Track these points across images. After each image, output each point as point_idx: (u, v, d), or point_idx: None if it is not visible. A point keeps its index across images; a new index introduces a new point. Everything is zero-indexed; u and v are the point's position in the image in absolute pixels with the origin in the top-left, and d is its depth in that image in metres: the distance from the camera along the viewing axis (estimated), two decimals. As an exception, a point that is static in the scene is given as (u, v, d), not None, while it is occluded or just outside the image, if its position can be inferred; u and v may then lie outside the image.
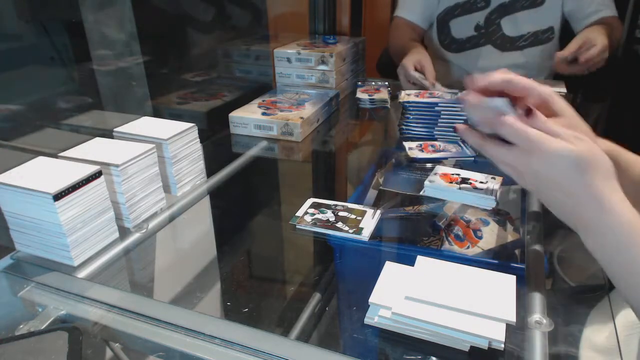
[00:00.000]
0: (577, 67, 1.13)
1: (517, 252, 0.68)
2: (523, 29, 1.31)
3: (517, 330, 0.51)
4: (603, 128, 1.62)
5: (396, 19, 1.44)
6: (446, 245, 0.67)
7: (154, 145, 0.71)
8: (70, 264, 0.61)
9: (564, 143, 0.48)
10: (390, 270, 0.57)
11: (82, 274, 0.61)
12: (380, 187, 0.80)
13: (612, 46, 1.21)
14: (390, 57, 1.70)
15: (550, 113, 0.53)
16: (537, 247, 0.64)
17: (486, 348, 0.48)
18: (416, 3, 1.39)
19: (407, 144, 0.95)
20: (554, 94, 0.53)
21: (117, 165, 0.65)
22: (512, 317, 0.48)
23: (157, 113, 1.13)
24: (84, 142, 0.71)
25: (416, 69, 1.16)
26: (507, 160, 0.53)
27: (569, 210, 0.50)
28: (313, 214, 0.71)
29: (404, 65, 1.18)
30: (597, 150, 0.48)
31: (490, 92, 0.54)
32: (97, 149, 0.69)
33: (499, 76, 0.54)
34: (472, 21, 1.34)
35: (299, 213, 0.72)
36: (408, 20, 1.40)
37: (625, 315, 0.59)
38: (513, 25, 1.31)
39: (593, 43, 1.11)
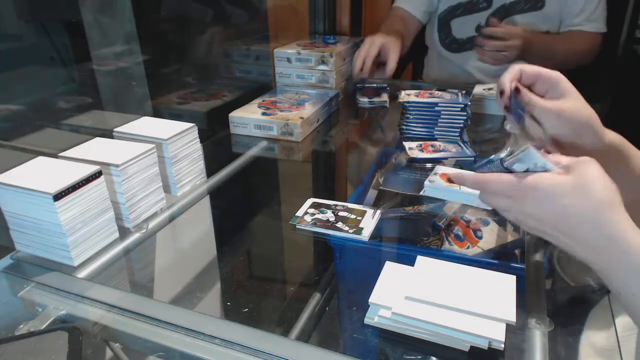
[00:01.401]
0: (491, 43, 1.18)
1: (517, 252, 0.68)
2: None
3: (517, 330, 0.51)
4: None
5: (394, 9, 1.41)
6: (446, 245, 0.67)
7: (154, 145, 0.71)
8: (70, 264, 0.61)
9: (549, 177, 0.44)
10: (390, 270, 0.57)
11: (82, 274, 0.61)
12: (380, 187, 0.80)
13: (558, 56, 1.25)
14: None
15: (556, 96, 0.52)
16: (537, 247, 0.64)
17: (486, 348, 0.48)
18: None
19: (407, 144, 0.95)
20: (560, 76, 0.53)
21: (117, 165, 0.65)
22: (512, 317, 0.48)
23: (157, 113, 1.13)
24: (84, 142, 0.71)
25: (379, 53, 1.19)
26: (505, 207, 0.49)
27: (579, 252, 0.46)
28: (313, 214, 0.71)
29: (371, 42, 1.19)
30: (598, 177, 0.44)
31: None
32: (97, 149, 0.69)
33: (515, 72, 0.54)
34: (473, 22, 1.34)
35: (299, 213, 0.72)
36: (406, 10, 1.38)
37: (625, 315, 0.59)
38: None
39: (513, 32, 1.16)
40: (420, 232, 0.70)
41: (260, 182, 0.97)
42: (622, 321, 0.57)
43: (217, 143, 1.06)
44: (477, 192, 0.74)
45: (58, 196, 0.57)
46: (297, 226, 0.69)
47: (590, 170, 0.44)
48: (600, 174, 0.44)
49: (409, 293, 0.51)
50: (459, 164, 0.89)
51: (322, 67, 1.21)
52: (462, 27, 1.36)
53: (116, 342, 0.53)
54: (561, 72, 0.54)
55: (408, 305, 0.50)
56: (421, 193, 0.77)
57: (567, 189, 0.44)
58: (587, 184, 0.43)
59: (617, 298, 0.45)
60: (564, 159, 0.46)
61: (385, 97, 1.25)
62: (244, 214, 0.85)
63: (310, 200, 0.75)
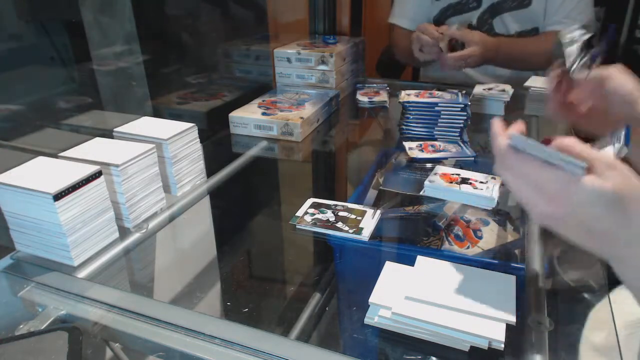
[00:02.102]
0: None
1: (517, 252, 0.68)
2: (510, 29, 1.32)
3: (517, 330, 0.51)
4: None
5: (395, 28, 1.45)
6: (446, 245, 0.67)
7: (154, 145, 0.71)
8: (70, 264, 0.61)
9: (593, 179, 0.43)
10: (390, 270, 0.57)
11: (82, 274, 0.61)
12: (380, 187, 0.80)
13: (530, 58, 1.26)
14: (390, 57, 1.71)
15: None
16: (537, 247, 0.64)
17: (486, 348, 0.48)
18: (410, 9, 1.40)
19: (407, 144, 0.95)
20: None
21: (117, 165, 0.65)
22: (512, 317, 0.48)
23: (157, 113, 1.13)
24: (84, 142, 0.71)
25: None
26: (534, 203, 0.48)
27: (606, 248, 0.46)
28: (313, 214, 0.71)
29: (416, 37, 1.21)
30: (632, 179, 0.44)
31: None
32: (97, 149, 0.69)
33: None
34: (465, 21, 1.34)
35: (299, 213, 0.72)
36: (404, 28, 1.42)
37: (625, 315, 0.59)
38: (502, 25, 1.32)
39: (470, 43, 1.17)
40: (420, 232, 0.70)
41: (260, 182, 0.97)
42: (622, 321, 0.57)
43: (217, 143, 1.06)
44: (477, 192, 0.74)
45: (58, 196, 0.57)
46: (297, 226, 0.69)
47: (618, 174, 0.44)
48: (628, 175, 0.44)
49: (409, 293, 0.51)
50: (459, 164, 0.89)
51: (322, 67, 1.21)
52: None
53: (116, 342, 0.53)
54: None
55: (408, 305, 0.50)
56: (421, 193, 0.77)
57: (607, 198, 0.43)
58: (618, 188, 0.43)
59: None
60: (588, 155, 0.45)
61: (385, 97, 1.25)
62: (244, 214, 0.85)
63: (310, 200, 0.75)
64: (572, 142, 0.46)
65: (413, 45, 1.23)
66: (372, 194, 0.79)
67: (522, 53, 1.27)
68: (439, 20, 1.38)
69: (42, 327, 0.53)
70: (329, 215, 0.71)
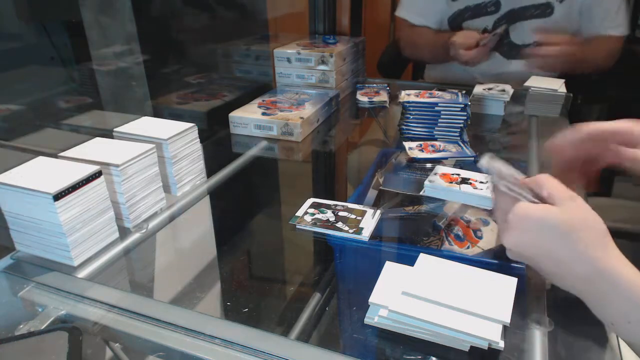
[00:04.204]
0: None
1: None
2: (529, 37, 1.30)
3: (517, 330, 0.51)
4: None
5: (401, 22, 1.43)
6: (446, 245, 0.67)
7: (154, 145, 0.71)
8: (70, 264, 0.61)
9: (540, 207, 0.48)
10: (391, 270, 0.57)
11: (82, 274, 0.61)
12: (380, 187, 0.80)
13: (589, 61, 1.27)
14: (390, 57, 1.71)
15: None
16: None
17: (486, 348, 0.47)
18: (421, 4, 1.39)
19: (407, 144, 0.95)
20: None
21: (117, 165, 0.65)
22: (507, 319, 0.48)
23: (157, 113, 1.13)
24: (84, 142, 0.71)
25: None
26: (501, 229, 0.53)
27: (569, 284, 0.49)
28: (313, 214, 0.71)
29: (455, 43, 1.23)
30: (585, 212, 0.47)
31: None
32: (97, 149, 0.69)
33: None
34: (480, 25, 1.33)
35: (299, 213, 0.72)
36: (413, 23, 1.40)
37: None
38: (520, 33, 1.30)
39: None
40: (420, 232, 0.70)
41: (260, 182, 0.97)
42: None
43: (217, 143, 1.06)
44: (477, 192, 0.74)
45: (58, 196, 0.57)
46: (297, 226, 0.69)
47: (577, 207, 0.47)
48: (587, 209, 0.47)
49: (406, 288, 0.51)
50: (459, 164, 0.89)
51: (322, 67, 1.21)
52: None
53: (116, 342, 0.53)
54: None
55: (405, 302, 0.50)
56: (421, 193, 0.77)
57: (556, 222, 0.47)
58: (575, 221, 0.46)
59: (612, 330, 0.47)
60: (551, 191, 0.49)
61: (385, 97, 1.25)
62: (244, 214, 0.85)
63: (310, 200, 0.75)
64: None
65: (452, 51, 1.24)
66: (372, 194, 0.79)
67: (582, 60, 1.26)
68: (454, 21, 1.36)
69: (42, 327, 0.53)
70: (329, 215, 0.71)
